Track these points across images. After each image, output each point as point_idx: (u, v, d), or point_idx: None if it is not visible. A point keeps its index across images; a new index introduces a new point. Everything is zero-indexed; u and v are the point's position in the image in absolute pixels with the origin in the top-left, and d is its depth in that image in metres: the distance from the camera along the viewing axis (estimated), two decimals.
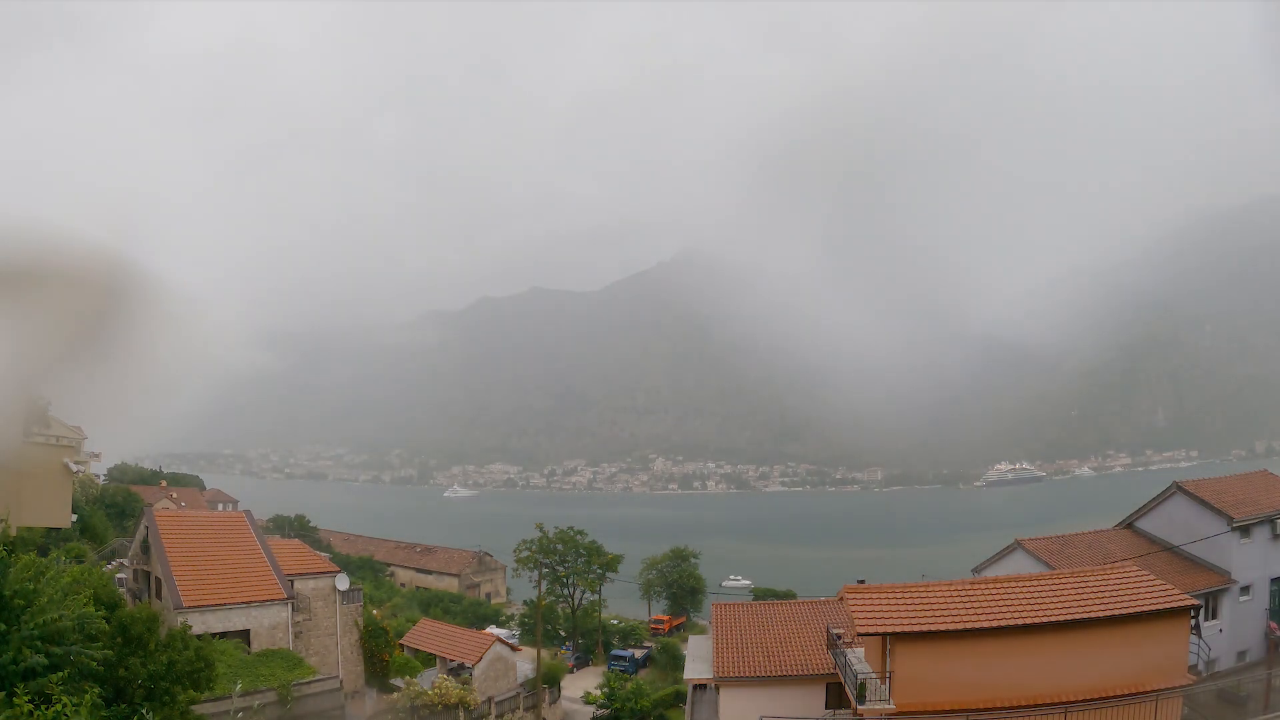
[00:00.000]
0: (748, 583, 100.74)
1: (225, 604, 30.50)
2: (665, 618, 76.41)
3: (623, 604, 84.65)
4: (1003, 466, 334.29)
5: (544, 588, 64.87)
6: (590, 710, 51.72)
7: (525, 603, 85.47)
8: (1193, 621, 24.66)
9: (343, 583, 38.49)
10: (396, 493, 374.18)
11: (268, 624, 31.33)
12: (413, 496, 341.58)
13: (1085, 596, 23.33)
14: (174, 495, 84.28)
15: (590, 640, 73.36)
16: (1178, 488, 34.53)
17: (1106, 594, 23.39)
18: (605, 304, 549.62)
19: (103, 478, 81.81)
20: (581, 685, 57.57)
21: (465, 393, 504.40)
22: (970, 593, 24.08)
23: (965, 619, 22.55)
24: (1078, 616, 22.46)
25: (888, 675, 22.34)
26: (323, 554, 48.00)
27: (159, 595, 31.42)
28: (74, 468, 17.10)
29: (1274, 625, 32.07)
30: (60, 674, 10.95)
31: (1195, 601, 23.69)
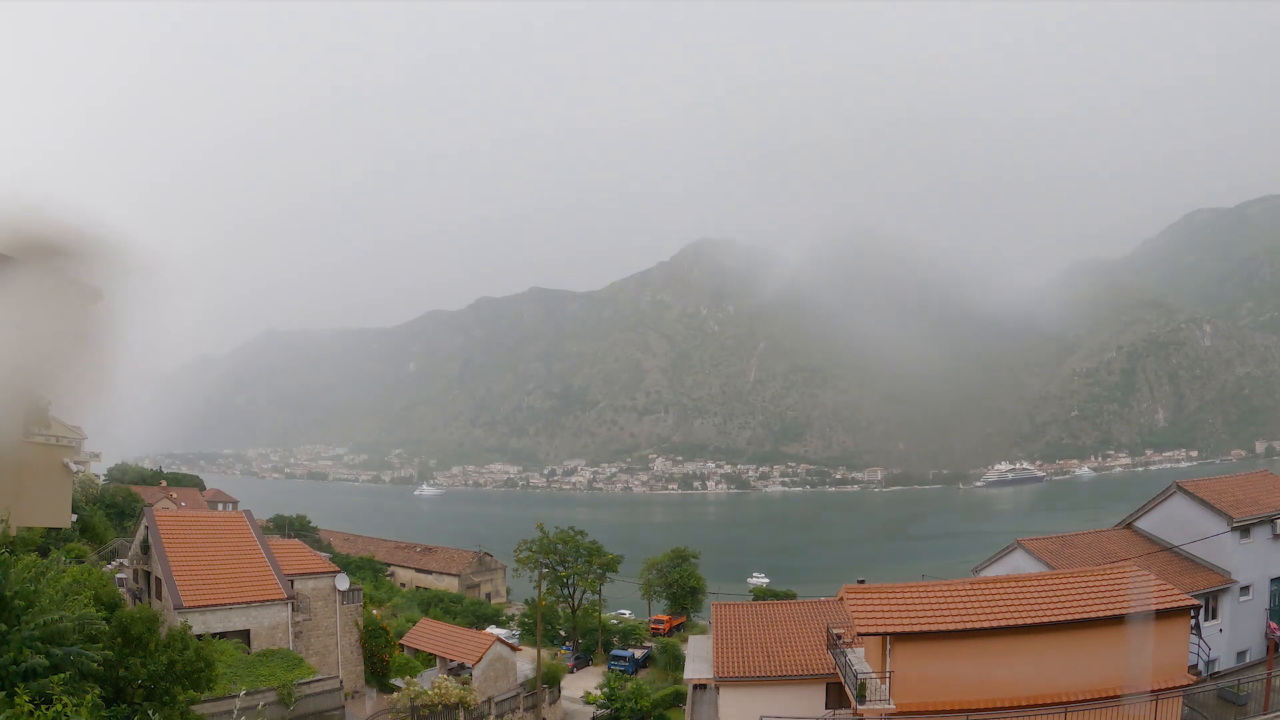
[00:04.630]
0: (766, 580, 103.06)
1: (225, 604, 30.49)
2: (665, 618, 76.38)
3: (623, 604, 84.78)
4: (1003, 466, 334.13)
5: (544, 588, 64.87)
6: (590, 710, 51.74)
7: (525, 602, 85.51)
8: (1193, 621, 24.67)
9: (343, 583, 38.49)
10: (386, 492, 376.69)
11: (268, 624, 31.33)
12: (392, 496, 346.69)
13: (1085, 596, 23.32)
14: (174, 495, 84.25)
15: (590, 640, 73.35)
16: (1178, 488, 34.52)
17: (1106, 594, 23.38)
18: (605, 304, 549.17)
19: (103, 478, 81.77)
20: (581, 685, 57.57)
21: (465, 393, 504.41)
22: (970, 593, 24.07)
23: (965, 619, 22.55)
24: (1078, 616, 22.46)
25: (888, 675, 22.34)
26: (323, 554, 47.97)
27: (159, 595, 31.41)
28: (74, 468, 17.06)
29: (1274, 625, 32.05)
30: (61, 675, 10.94)
31: (1195, 601, 23.69)
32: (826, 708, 28.43)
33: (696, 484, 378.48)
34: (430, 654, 46.73)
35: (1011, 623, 22.32)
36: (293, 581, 34.66)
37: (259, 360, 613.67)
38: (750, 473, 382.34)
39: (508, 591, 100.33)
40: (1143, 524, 35.91)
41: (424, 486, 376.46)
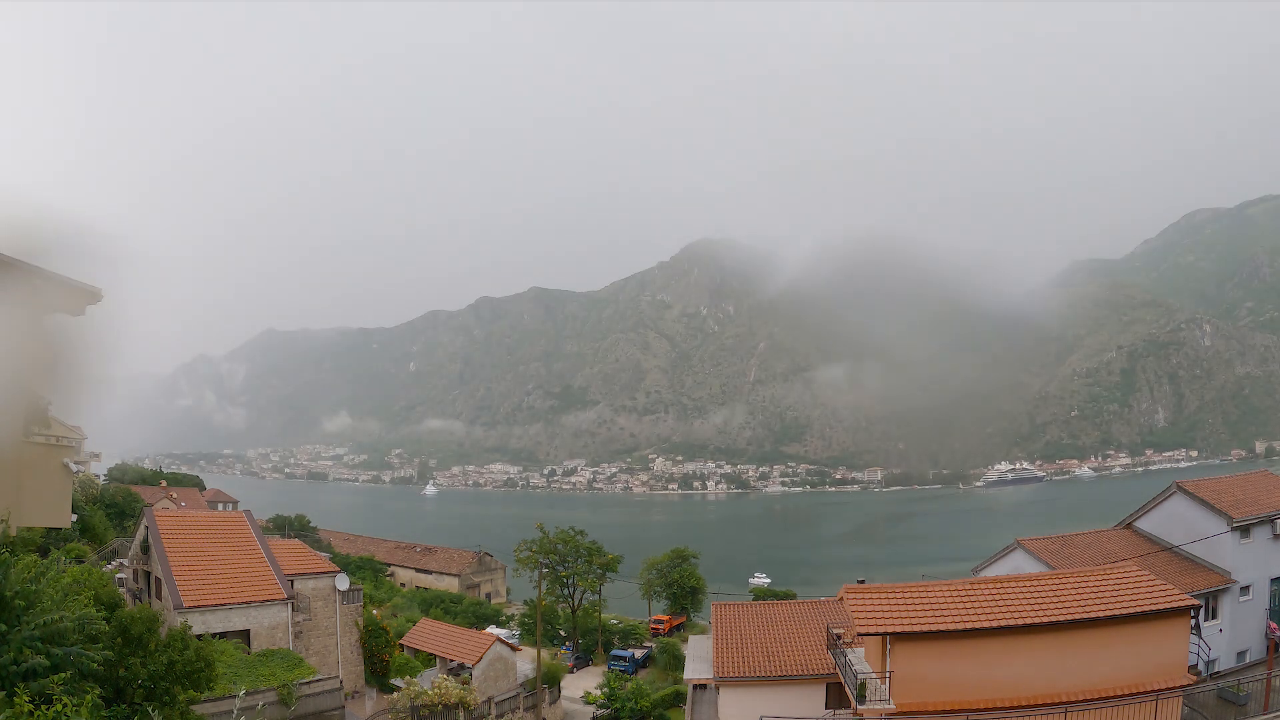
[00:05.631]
0: (768, 580, 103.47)
1: (225, 604, 30.48)
2: (665, 618, 76.38)
3: (623, 604, 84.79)
4: (1003, 466, 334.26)
5: (544, 588, 64.83)
6: (590, 710, 51.74)
7: (525, 603, 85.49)
8: (1193, 621, 24.66)
9: (343, 583, 38.51)
10: (394, 493, 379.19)
11: (268, 624, 31.32)
12: (393, 496, 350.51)
13: (1085, 596, 23.32)
14: (174, 495, 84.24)
15: (590, 640, 73.35)
16: (1178, 488, 34.51)
17: (1106, 594, 23.37)
18: (605, 304, 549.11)
19: (103, 478, 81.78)
20: (581, 685, 57.57)
21: (465, 393, 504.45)
22: (970, 593, 24.06)
23: (965, 619, 22.55)
24: (1078, 616, 22.46)
25: (887, 675, 22.34)
26: (323, 554, 47.98)
27: (159, 595, 31.40)
28: (74, 468, 17.05)
29: (1274, 625, 32.05)
30: (61, 675, 10.94)
31: (1195, 601, 23.67)
32: (826, 708, 28.41)
33: (696, 484, 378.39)
34: (430, 654, 46.72)
35: (1011, 623, 22.31)
36: (293, 581, 34.66)
37: (259, 360, 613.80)
38: (750, 473, 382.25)
39: (508, 591, 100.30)
40: (1143, 524, 35.90)
41: (429, 486, 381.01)
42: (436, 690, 34.76)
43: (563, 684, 51.58)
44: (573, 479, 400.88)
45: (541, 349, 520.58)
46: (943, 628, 22.27)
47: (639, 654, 65.87)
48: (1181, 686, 22.22)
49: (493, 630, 59.39)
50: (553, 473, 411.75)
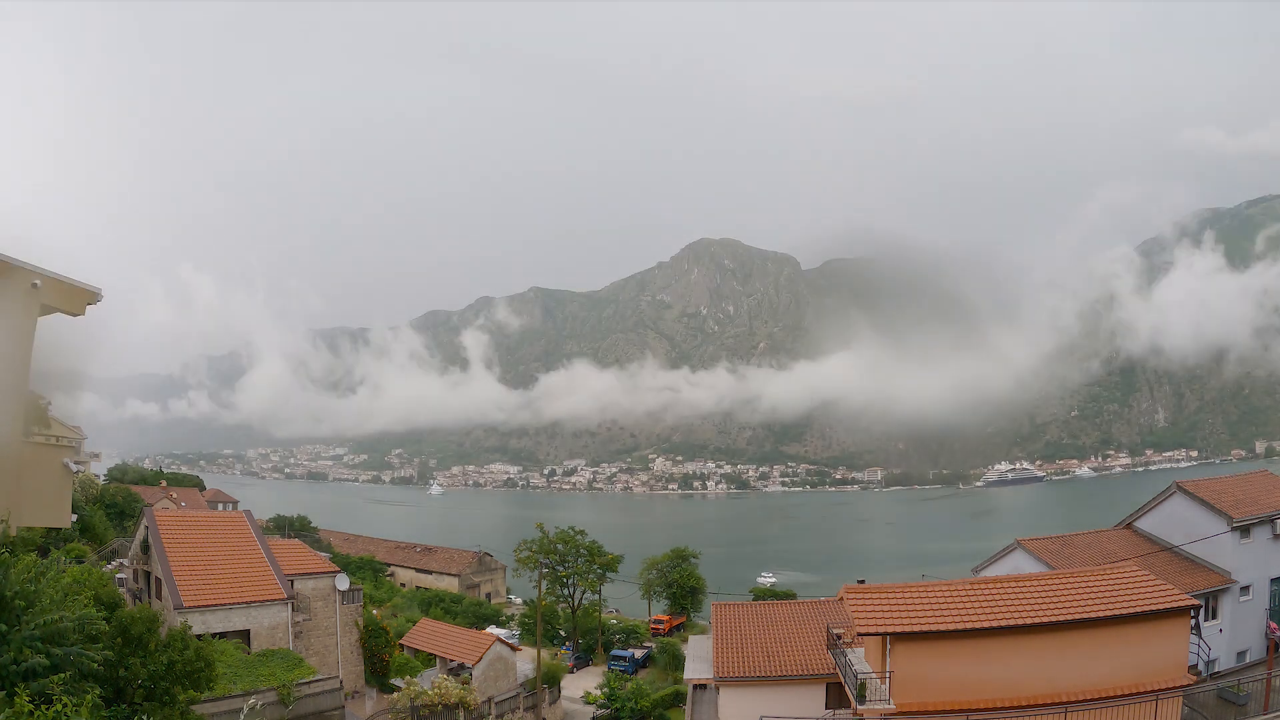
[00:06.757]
0: (774, 580, 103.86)
1: (225, 604, 30.46)
2: (665, 618, 76.40)
3: (623, 604, 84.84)
4: (1003, 466, 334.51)
5: (544, 588, 64.83)
6: (590, 710, 51.76)
7: (525, 602, 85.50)
8: (1193, 621, 24.66)
9: (343, 583, 38.50)
10: (395, 492, 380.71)
11: (268, 624, 31.30)
12: (396, 496, 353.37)
13: (1085, 596, 23.32)
14: (174, 495, 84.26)
15: (590, 640, 73.35)
16: (1178, 488, 34.51)
17: (1106, 594, 23.37)
18: (605, 304, 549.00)
19: (103, 478, 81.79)
20: (581, 685, 57.58)
21: (465, 392, 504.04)
22: (970, 593, 24.06)
23: (965, 619, 22.54)
24: (1078, 616, 22.46)
25: (887, 675, 22.34)
26: (323, 554, 47.98)
27: (159, 595, 31.39)
28: (74, 468, 17.05)
29: (1274, 625, 32.05)
30: (61, 675, 10.94)
31: (1195, 601, 23.67)
32: (826, 708, 28.41)
33: (696, 484, 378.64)
34: (430, 654, 46.73)
35: (1011, 623, 22.31)
36: (293, 581, 34.65)
37: (258, 360, 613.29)
38: (750, 473, 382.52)
39: (508, 591, 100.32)
40: (1143, 524, 35.90)
41: (434, 485, 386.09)
42: (436, 690, 34.75)
43: (563, 684, 51.59)
44: (573, 479, 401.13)
45: (541, 349, 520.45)
46: (943, 628, 22.27)
47: (639, 654, 65.86)
48: (1181, 686, 22.22)
49: (493, 630, 59.41)
50: (553, 473, 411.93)
